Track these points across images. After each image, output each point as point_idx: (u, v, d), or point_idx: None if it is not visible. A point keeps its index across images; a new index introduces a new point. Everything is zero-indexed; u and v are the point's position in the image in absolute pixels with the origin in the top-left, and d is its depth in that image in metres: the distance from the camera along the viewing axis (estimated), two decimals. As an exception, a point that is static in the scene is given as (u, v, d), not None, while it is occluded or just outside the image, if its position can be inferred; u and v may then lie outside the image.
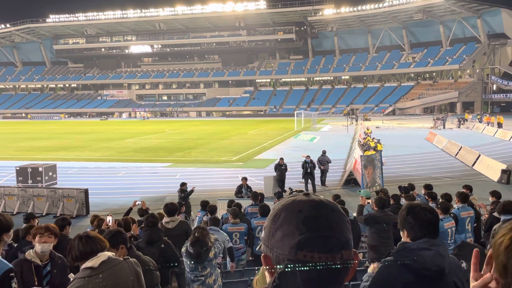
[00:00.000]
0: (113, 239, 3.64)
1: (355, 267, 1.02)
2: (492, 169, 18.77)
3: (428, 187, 9.40)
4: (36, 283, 3.81)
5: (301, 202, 1.03)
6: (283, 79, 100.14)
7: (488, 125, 43.38)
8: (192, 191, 13.09)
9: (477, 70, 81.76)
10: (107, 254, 2.93)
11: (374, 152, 19.07)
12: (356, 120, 56.70)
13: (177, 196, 13.17)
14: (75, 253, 2.92)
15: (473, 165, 20.98)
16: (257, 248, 7.96)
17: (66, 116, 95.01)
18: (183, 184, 13.18)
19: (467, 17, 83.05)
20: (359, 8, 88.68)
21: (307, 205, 1.02)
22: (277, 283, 0.86)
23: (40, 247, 3.92)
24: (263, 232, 1.06)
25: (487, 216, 7.96)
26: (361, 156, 16.31)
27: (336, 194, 10.92)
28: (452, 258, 2.33)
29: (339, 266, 0.96)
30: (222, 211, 11.11)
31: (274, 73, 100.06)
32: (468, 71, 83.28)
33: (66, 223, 5.78)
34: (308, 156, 17.35)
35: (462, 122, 48.57)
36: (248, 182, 13.98)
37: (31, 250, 3.98)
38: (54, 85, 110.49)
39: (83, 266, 2.85)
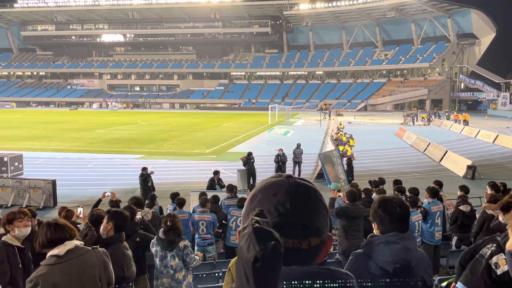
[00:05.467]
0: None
1: (326, 250, 1.06)
2: (458, 165, 19.38)
3: (397, 182, 9.61)
4: (20, 265, 3.96)
5: (278, 186, 1.05)
6: (258, 73, 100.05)
7: (455, 122, 44.74)
8: (150, 173, 13.08)
9: (446, 69, 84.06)
10: (74, 242, 2.91)
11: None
12: (329, 115, 57.39)
13: (139, 183, 13.20)
14: (42, 240, 2.90)
15: (441, 160, 21.60)
16: (231, 240, 7.98)
17: (35, 105, 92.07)
18: (144, 169, 13.17)
19: (438, 16, 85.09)
20: (334, 4, 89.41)
21: (283, 189, 1.04)
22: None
23: (24, 231, 4.03)
24: (243, 208, 1.11)
25: (452, 210, 8.22)
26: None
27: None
28: (421, 252, 2.37)
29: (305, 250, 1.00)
30: (195, 203, 11.04)
31: (249, 66, 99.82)
32: (437, 69, 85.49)
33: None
34: (280, 150, 17.42)
35: (429, 118, 50.00)
36: (221, 175, 13.92)
37: (7, 235, 4.03)
38: (21, 73, 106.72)
39: (49, 253, 2.84)
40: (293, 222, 1.01)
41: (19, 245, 4.00)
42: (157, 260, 5.37)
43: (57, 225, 2.94)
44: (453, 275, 5.07)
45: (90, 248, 3.00)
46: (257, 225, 0.90)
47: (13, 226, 4.01)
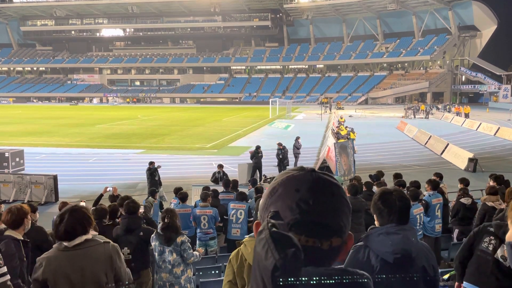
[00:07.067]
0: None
1: (346, 250, 1.01)
2: (459, 158, 19.35)
3: (397, 176, 9.58)
4: (24, 259, 4.04)
5: (301, 181, 0.98)
6: (258, 67, 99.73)
7: (457, 115, 44.63)
8: (157, 167, 13.17)
9: (447, 61, 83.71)
10: (84, 237, 2.92)
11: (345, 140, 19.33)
12: (330, 109, 57.28)
13: (146, 177, 13.29)
14: (62, 228, 2.87)
15: (442, 153, 21.58)
16: (232, 233, 7.98)
17: (35, 100, 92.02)
18: (151, 163, 13.29)
19: (439, 8, 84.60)
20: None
21: (306, 185, 0.97)
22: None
23: (29, 225, 4.18)
24: (261, 200, 1.04)
25: (454, 202, 8.21)
26: (334, 143, 16.46)
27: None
28: (422, 243, 2.37)
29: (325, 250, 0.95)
30: (196, 197, 11.06)
31: (250, 60, 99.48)
32: (438, 62, 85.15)
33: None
34: (280, 144, 17.39)
35: (429, 111, 49.91)
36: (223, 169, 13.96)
37: (8, 230, 4.06)
38: (21, 68, 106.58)
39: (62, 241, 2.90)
40: (315, 220, 0.94)
41: (23, 239, 4.04)
42: (156, 255, 5.39)
43: (78, 212, 2.93)
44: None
45: (101, 241, 3.02)
46: (274, 229, 0.85)
47: (28, 220, 4.11)
